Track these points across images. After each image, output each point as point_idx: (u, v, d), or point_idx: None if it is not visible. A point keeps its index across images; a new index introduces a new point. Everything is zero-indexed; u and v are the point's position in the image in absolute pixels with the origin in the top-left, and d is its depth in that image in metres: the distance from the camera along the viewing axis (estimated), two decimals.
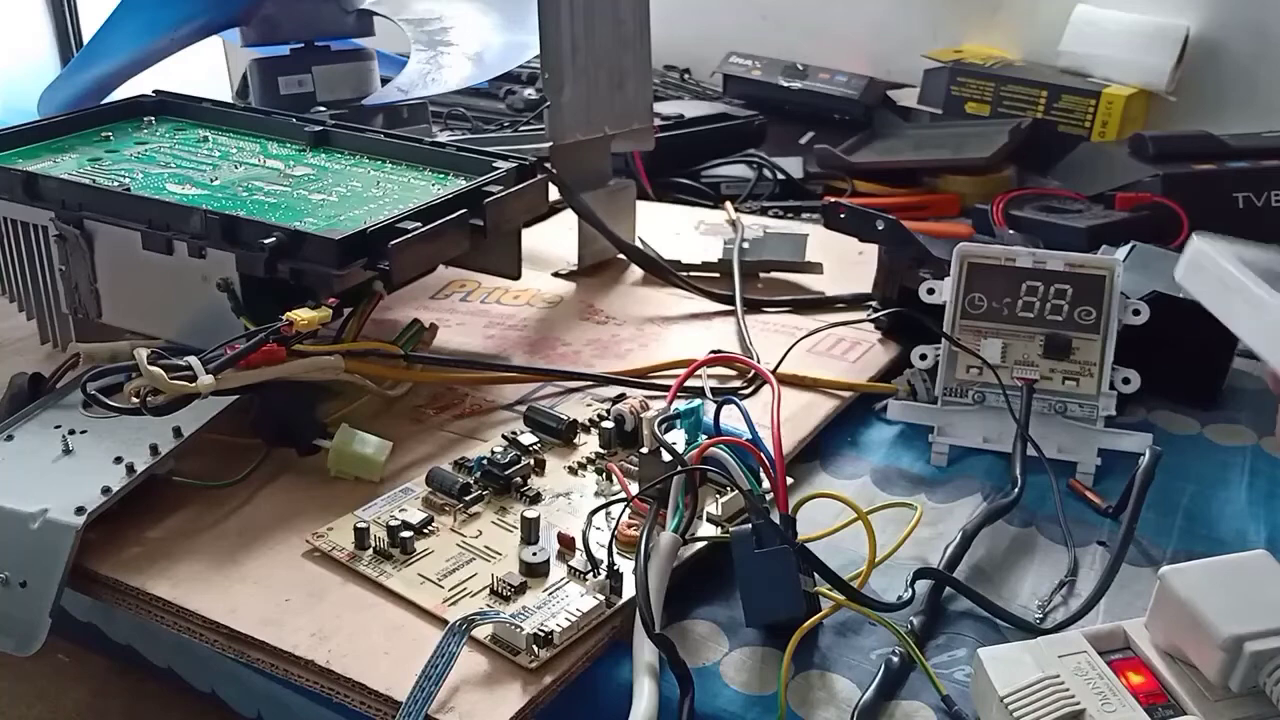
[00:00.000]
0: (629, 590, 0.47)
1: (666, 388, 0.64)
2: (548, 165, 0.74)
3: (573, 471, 0.57)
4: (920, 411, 0.63)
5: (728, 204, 1.03)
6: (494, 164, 0.71)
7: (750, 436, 0.54)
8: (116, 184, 0.67)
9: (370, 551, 0.51)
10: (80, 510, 0.50)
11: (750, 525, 0.48)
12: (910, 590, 0.48)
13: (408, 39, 1.00)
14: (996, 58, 1.25)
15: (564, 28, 0.80)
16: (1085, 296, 0.61)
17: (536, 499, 0.55)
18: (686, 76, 1.41)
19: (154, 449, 0.54)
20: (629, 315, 0.79)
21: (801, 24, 1.37)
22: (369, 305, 0.63)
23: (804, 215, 1.03)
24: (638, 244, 0.87)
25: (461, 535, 0.52)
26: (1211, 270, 0.42)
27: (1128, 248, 0.74)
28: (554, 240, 0.90)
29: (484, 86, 1.24)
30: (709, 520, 0.53)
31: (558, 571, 0.49)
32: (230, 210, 0.62)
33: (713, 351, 0.67)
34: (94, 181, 0.67)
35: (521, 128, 1.03)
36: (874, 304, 0.75)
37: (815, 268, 0.84)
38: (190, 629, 0.48)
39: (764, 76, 1.30)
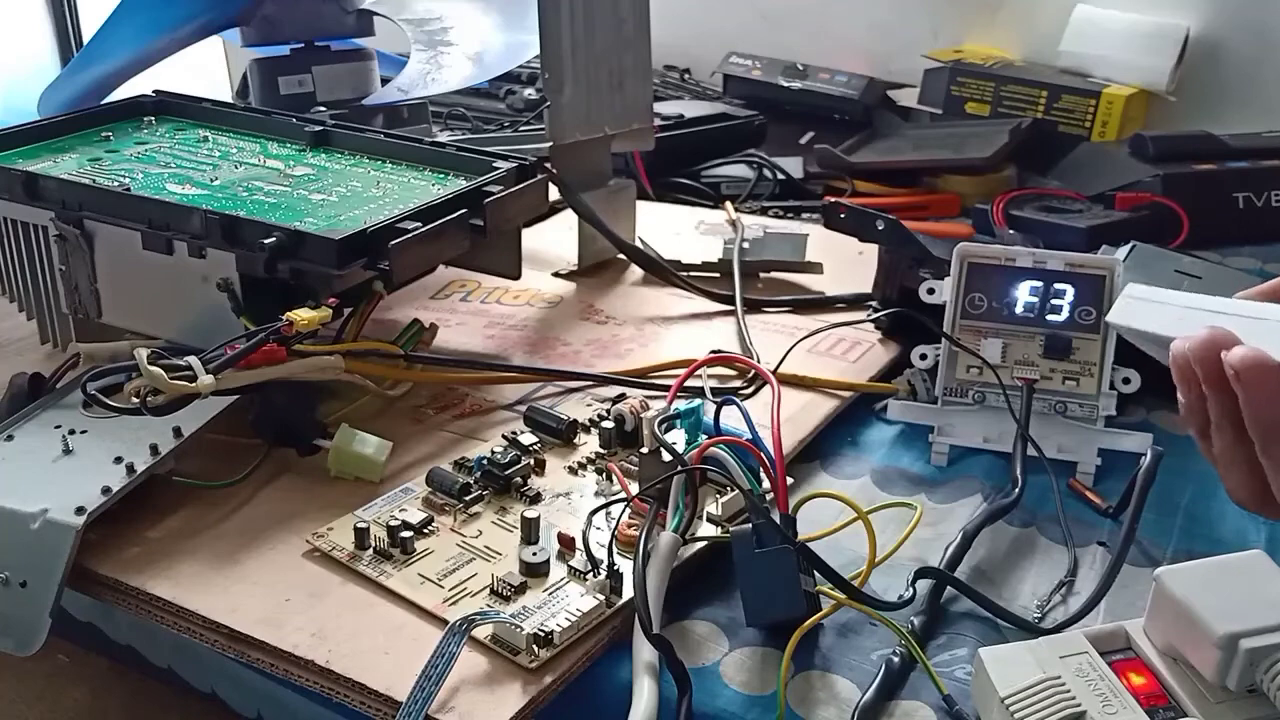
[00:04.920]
0: (629, 590, 0.47)
1: (666, 388, 0.64)
2: (548, 165, 0.74)
3: (573, 471, 0.57)
4: (920, 411, 0.63)
5: (728, 204, 1.03)
6: (494, 164, 0.71)
7: (750, 436, 0.54)
8: (116, 184, 0.67)
9: (370, 551, 0.51)
10: (80, 510, 0.50)
11: (750, 525, 0.48)
12: (911, 590, 0.48)
13: (408, 39, 1.00)
14: (996, 58, 1.25)
15: (564, 28, 0.80)
16: (1085, 296, 0.61)
17: (536, 499, 0.55)
18: (686, 76, 1.41)
19: (154, 449, 0.54)
20: (629, 315, 0.79)
21: (801, 24, 1.37)
22: (369, 305, 0.63)
23: (804, 215, 1.03)
24: (638, 244, 0.87)
25: (461, 535, 0.52)
26: (1149, 297, 0.42)
27: (1128, 248, 0.74)
28: (554, 240, 0.90)
29: (484, 86, 1.24)
30: (709, 520, 0.53)
31: (558, 571, 0.49)
32: (230, 210, 0.62)
33: (713, 351, 0.67)
34: (94, 181, 0.67)
35: (521, 128, 1.03)
36: (874, 304, 0.75)
37: (815, 268, 0.84)
38: (190, 629, 0.48)
39: (764, 76, 1.30)
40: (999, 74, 1.20)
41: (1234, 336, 0.36)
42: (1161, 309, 0.40)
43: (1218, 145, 1.01)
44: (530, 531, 0.51)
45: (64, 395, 0.60)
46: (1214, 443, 0.38)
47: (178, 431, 0.55)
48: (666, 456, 0.53)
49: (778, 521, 0.48)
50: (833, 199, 0.81)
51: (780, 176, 1.11)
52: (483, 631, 0.45)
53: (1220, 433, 0.38)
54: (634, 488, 0.54)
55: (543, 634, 0.44)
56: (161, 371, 0.50)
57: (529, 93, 1.27)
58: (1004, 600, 0.50)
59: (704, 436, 0.55)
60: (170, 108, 0.82)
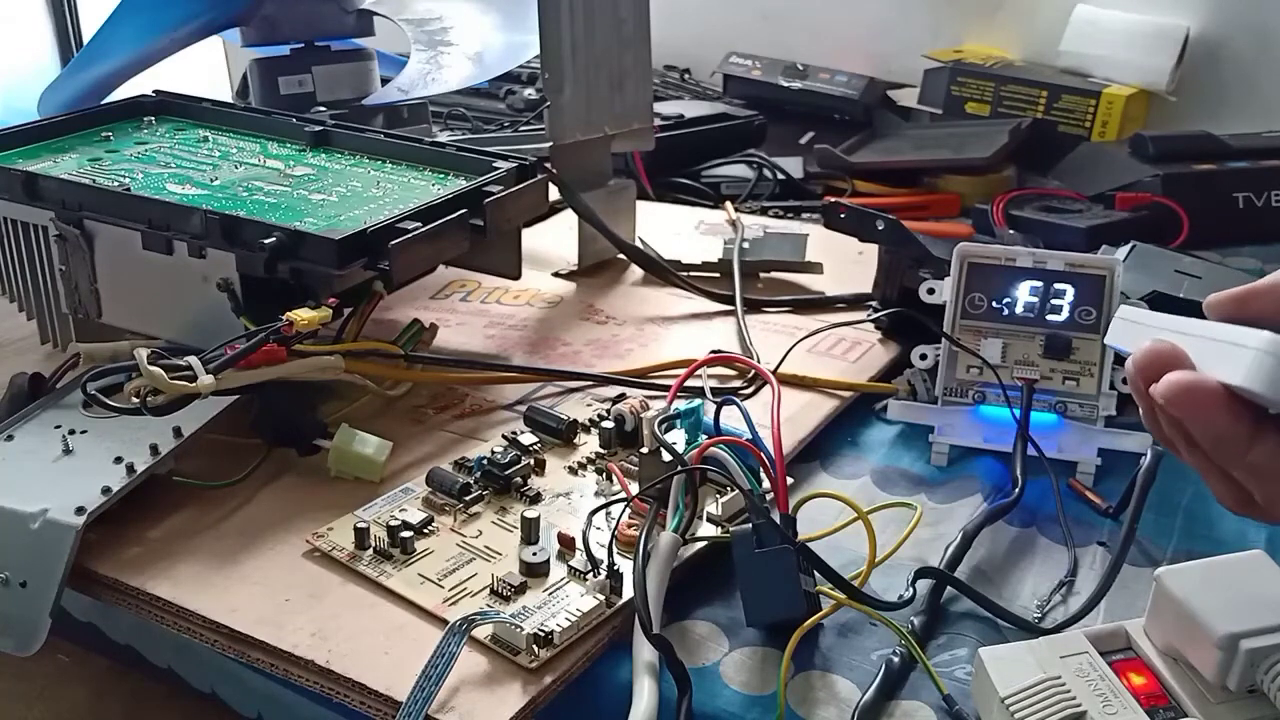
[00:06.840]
0: (629, 590, 0.47)
1: (666, 388, 0.64)
2: (548, 165, 0.74)
3: (573, 471, 0.57)
4: (920, 411, 0.63)
5: (728, 204, 1.03)
6: (494, 164, 0.71)
7: (750, 436, 0.54)
8: (116, 184, 0.67)
9: (370, 551, 0.51)
10: (80, 510, 0.50)
11: (750, 525, 0.48)
12: (911, 590, 0.48)
13: (408, 39, 1.00)
14: (996, 58, 1.25)
15: (564, 28, 0.80)
16: (1085, 296, 0.61)
17: (536, 499, 0.55)
18: (686, 76, 1.41)
19: (154, 449, 0.54)
20: (629, 315, 0.79)
21: (801, 24, 1.37)
22: (369, 305, 0.63)
23: (804, 215, 1.03)
24: (638, 244, 0.87)
25: (461, 535, 0.52)
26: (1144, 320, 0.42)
27: (1128, 248, 0.74)
28: (554, 240, 0.90)
29: (484, 86, 1.24)
30: (709, 520, 0.53)
31: (558, 571, 0.49)
32: (230, 210, 0.62)
33: (713, 351, 0.67)
34: (94, 181, 0.67)
35: (521, 128, 1.03)
36: (874, 304, 0.75)
37: (815, 268, 0.83)
38: (190, 629, 0.48)
39: (764, 76, 1.30)
40: (999, 74, 1.20)
41: (1175, 351, 0.36)
42: (1141, 330, 0.40)
43: (1218, 145, 1.01)
44: (530, 531, 0.51)
45: (64, 395, 0.60)
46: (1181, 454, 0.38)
47: (178, 431, 0.55)
48: (666, 456, 0.53)
49: (778, 521, 0.48)
50: (833, 199, 0.81)
51: (780, 176, 1.11)
52: (483, 631, 0.45)
53: (1175, 446, 0.38)
54: (634, 488, 0.54)
55: (543, 634, 0.44)
56: (161, 371, 0.50)
57: (529, 93, 1.27)
58: (1004, 600, 0.50)
59: (704, 436, 0.55)
60: (170, 108, 0.82)
